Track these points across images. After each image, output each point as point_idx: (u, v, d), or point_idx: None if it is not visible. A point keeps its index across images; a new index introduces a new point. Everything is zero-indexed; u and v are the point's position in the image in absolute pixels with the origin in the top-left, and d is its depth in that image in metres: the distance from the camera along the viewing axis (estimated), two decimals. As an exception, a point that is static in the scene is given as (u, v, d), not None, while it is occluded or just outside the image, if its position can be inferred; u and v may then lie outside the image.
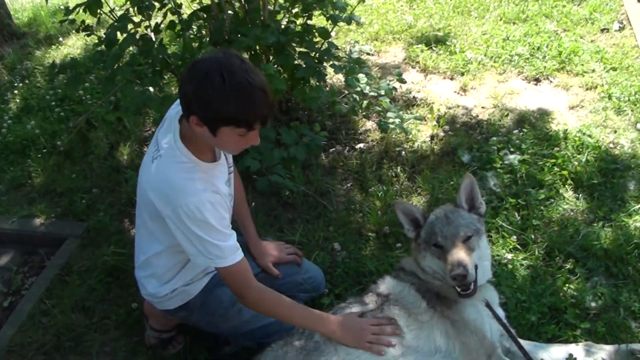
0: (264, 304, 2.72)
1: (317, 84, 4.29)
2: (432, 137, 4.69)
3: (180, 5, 4.43)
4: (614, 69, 5.31)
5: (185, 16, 4.38)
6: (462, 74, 5.51)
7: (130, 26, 4.00)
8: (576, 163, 4.19)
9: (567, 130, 4.56)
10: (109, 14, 4.24)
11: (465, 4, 6.84)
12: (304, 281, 3.28)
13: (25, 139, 5.25)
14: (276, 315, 2.80)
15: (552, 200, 3.97)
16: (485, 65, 5.63)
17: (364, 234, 3.90)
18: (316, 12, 4.45)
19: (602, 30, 6.06)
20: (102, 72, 4.23)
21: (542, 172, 4.17)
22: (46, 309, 3.70)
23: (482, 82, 5.39)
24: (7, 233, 4.42)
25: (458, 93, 5.29)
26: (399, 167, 4.39)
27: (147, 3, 4.05)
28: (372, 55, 5.91)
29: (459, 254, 2.71)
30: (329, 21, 4.26)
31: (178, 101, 2.56)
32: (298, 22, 4.51)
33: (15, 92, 6.16)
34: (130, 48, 4.02)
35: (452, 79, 5.51)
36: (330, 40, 4.33)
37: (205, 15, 4.32)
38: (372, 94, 4.38)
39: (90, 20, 4.57)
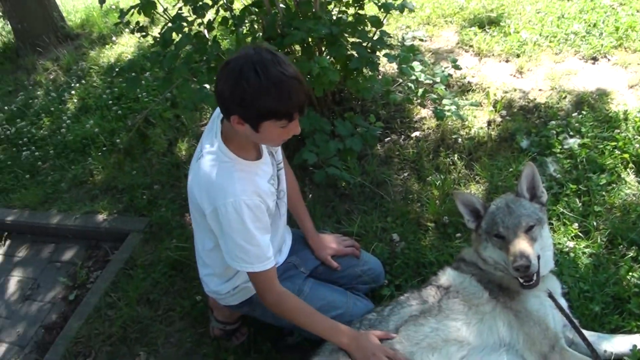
0: (283, 308, 2.77)
1: (370, 73, 4.27)
2: (489, 123, 4.62)
3: (232, 1, 4.46)
4: (675, 43, 5.13)
5: (237, 12, 4.41)
6: (518, 56, 5.40)
7: (184, 24, 4.06)
8: (637, 145, 4.06)
9: (627, 110, 4.42)
10: (162, 13, 4.30)
11: (518, -18, 6.68)
12: (363, 273, 3.30)
13: (85, 137, 5.42)
14: (294, 321, 2.83)
15: (614, 185, 3.86)
16: (540, 45, 5.50)
17: (422, 224, 3.88)
18: (367, 1, 4.42)
19: (661, 3, 5.84)
20: (159, 71, 4.31)
21: (603, 155, 4.06)
22: (111, 302, 3.84)
23: (538, 63, 5.27)
24: (71, 229, 4.60)
25: (514, 76, 5.20)
26: (456, 155, 4.36)
27: (201, 3, 4.10)
28: (425, 41, 5.85)
29: (521, 244, 2.68)
30: (381, 9, 4.22)
31: None
32: (350, 12, 4.49)
33: (73, 92, 6.35)
34: (186, 47, 4.07)
35: (507, 61, 5.41)
36: (382, 28, 4.30)
37: (257, 10, 4.34)
38: (427, 81, 4.34)
39: (143, 19, 4.66)
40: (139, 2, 3.99)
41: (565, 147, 4.20)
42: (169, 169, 4.83)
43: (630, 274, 3.28)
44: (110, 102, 5.87)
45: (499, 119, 4.64)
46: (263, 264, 2.62)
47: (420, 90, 4.35)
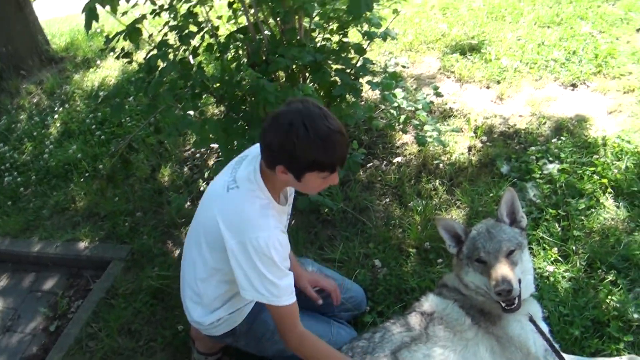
0: (304, 349, 2.76)
1: (354, 100, 4.32)
2: (469, 149, 4.68)
3: (217, 28, 4.50)
4: (652, 71, 5.23)
5: (222, 38, 4.45)
6: (498, 82, 5.49)
7: (169, 51, 4.09)
8: (616, 170, 4.13)
9: (605, 136, 4.49)
10: (148, 39, 4.32)
11: (499, 9, 6.82)
12: (346, 300, 3.31)
13: (67, 163, 5.40)
14: None
15: (593, 209, 3.92)
16: (521, 72, 5.59)
17: (404, 250, 3.91)
18: (351, 28, 4.47)
19: (638, 30, 5.96)
20: (143, 97, 4.33)
21: (582, 180, 4.12)
22: (93, 333, 3.80)
23: (518, 89, 5.36)
24: (52, 257, 4.57)
25: (494, 102, 5.27)
26: (437, 180, 4.40)
27: (187, 31, 4.13)
28: (407, 67, 5.92)
29: (503, 268, 2.71)
30: (365, 37, 4.28)
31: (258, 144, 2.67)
32: (334, 39, 4.54)
33: (56, 116, 6.33)
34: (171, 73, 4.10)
35: (488, 87, 5.49)
36: (365, 55, 4.36)
37: (242, 37, 4.38)
38: (409, 108, 4.39)
39: (128, 44, 4.67)
40: (124, 28, 4.02)
41: (545, 172, 4.25)
42: (152, 195, 4.82)
43: (609, 297, 3.32)
44: (94, 126, 5.86)
45: (479, 145, 4.69)
46: (289, 297, 2.65)
47: (403, 117, 4.40)
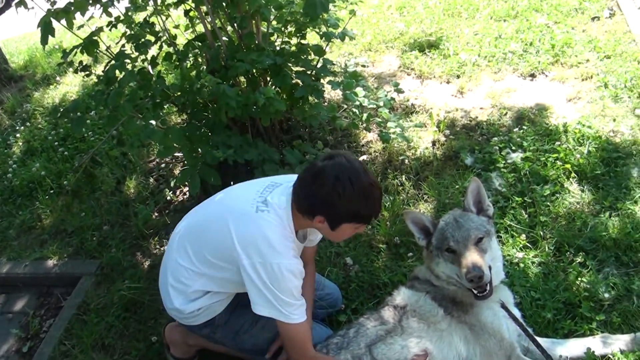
0: None
1: (316, 101, 4.33)
2: (433, 143, 4.72)
3: (175, 37, 4.48)
4: (608, 57, 5.33)
5: (180, 47, 4.43)
6: (458, 77, 5.55)
7: (127, 61, 4.05)
8: (578, 155, 4.20)
9: (566, 123, 4.57)
10: (105, 51, 4.29)
11: (455, 6, 6.90)
12: (321, 298, 3.31)
13: (32, 181, 5.31)
14: None
15: (558, 195, 3.98)
16: (479, 65, 5.67)
17: (374, 246, 3.92)
18: (309, 31, 4.49)
19: (593, 18, 6.09)
20: (104, 109, 4.29)
21: (546, 167, 4.18)
22: (66, 350, 3.74)
23: (478, 82, 5.42)
24: (22, 277, 4.48)
25: (455, 96, 5.33)
26: (403, 176, 4.42)
27: (143, 40, 4.11)
28: (367, 66, 5.95)
29: (473, 256, 2.74)
30: (323, 39, 4.30)
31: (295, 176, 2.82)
32: (292, 42, 4.55)
33: (18, 135, 6.24)
34: (130, 84, 4.07)
35: (448, 82, 5.55)
36: (324, 56, 4.37)
37: (200, 44, 4.37)
38: (371, 106, 4.41)
39: (86, 58, 4.62)
40: (81, 41, 3.98)
41: (509, 161, 4.31)
42: (118, 208, 4.77)
43: (579, 279, 3.37)
44: (56, 143, 5.79)
45: (443, 139, 4.74)
46: (301, 316, 2.72)
47: (365, 115, 4.42)
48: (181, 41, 4.70)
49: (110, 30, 4.33)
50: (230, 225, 2.70)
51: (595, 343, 2.94)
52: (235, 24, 4.27)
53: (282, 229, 2.69)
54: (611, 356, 2.91)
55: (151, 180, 5.00)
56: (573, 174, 4.10)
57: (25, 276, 4.47)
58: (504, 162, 4.31)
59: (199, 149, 4.11)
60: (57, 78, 7.28)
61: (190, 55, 4.43)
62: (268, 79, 4.39)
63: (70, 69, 6.32)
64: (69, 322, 3.91)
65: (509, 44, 5.86)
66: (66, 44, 8.05)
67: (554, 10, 6.36)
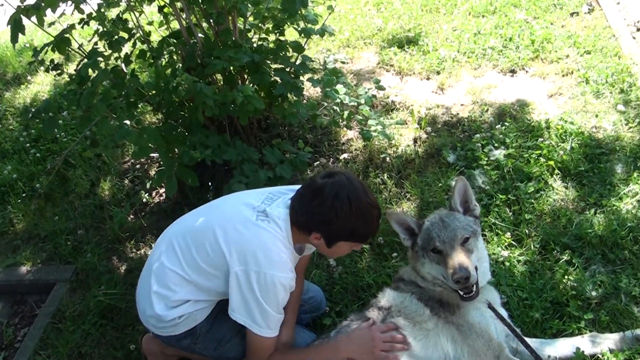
0: None
1: (295, 98, 4.24)
2: (415, 140, 4.65)
3: (149, 34, 4.37)
4: (588, 53, 5.32)
5: (154, 44, 4.31)
6: (438, 73, 5.50)
7: (100, 59, 3.93)
8: (561, 152, 4.18)
9: (548, 119, 4.54)
10: (77, 49, 4.16)
11: (432, 2, 6.85)
12: (305, 302, 3.24)
13: (3, 184, 5.16)
14: None
15: (542, 192, 3.95)
16: (459, 61, 5.62)
17: (358, 247, 3.84)
18: (288, 27, 4.40)
19: (572, 14, 6.08)
20: (77, 109, 4.16)
21: (529, 164, 4.14)
22: (41, 361, 3.61)
23: (458, 79, 5.37)
24: (-6, 285, 4.32)
25: (436, 92, 5.28)
26: (385, 174, 4.36)
27: (116, 37, 3.99)
28: (347, 63, 5.88)
29: (459, 256, 2.70)
30: (302, 35, 4.21)
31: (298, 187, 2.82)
32: (270, 38, 4.46)
33: (-12, 137, 6.06)
34: (103, 83, 3.94)
35: (428, 79, 5.50)
36: (303, 52, 4.28)
37: (175, 41, 4.25)
38: (352, 103, 4.34)
39: (57, 57, 4.49)
40: (52, 39, 3.85)
41: (492, 158, 4.26)
42: (93, 211, 4.63)
43: (566, 277, 3.34)
44: (28, 144, 5.62)
45: (424, 136, 4.68)
46: (274, 331, 2.72)
47: (346, 113, 4.34)
48: (155, 38, 4.58)
49: (82, 27, 4.20)
50: (229, 231, 2.68)
51: (584, 342, 2.92)
52: (211, 20, 4.16)
53: (281, 240, 2.68)
54: (600, 356, 2.88)
55: (126, 182, 4.87)
56: (557, 171, 4.07)
57: (-2, 284, 4.32)
58: (486, 159, 4.26)
59: (176, 150, 4.00)
60: (28, 77, 7.09)
61: (165, 52, 4.31)
62: (246, 76, 4.30)
63: (42, 68, 6.18)
64: (44, 331, 3.77)
65: (488, 40, 5.82)
66: (37, 42, 7.85)
67: (532, 5, 6.34)
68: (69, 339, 3.64)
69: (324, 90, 4.21)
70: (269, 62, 4.19)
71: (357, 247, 2.85)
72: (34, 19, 3.59)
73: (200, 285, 2.75)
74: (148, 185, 4.69)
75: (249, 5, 4.08)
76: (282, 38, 4.38)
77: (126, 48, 4.29)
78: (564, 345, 2.92)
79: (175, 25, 4.47)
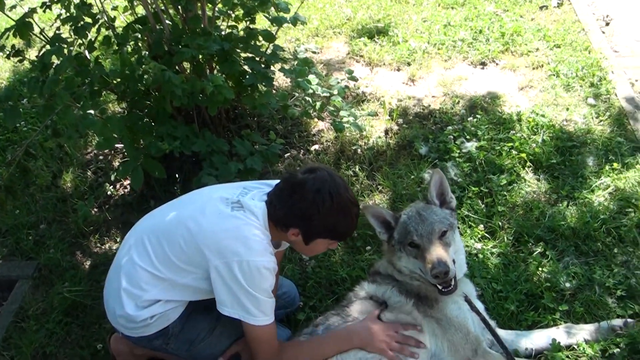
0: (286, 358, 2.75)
1: (266, 89, 4.14)
2: (386, 132, 4.61)
3: (114, 20, 4.22)
4: (558, 46, 5.35)
5: (119, 30, 4.17)
6: (408, 64, 5.46)
7: (63, 46, 3.78)
8: (533, 144, 4.19)
9: (519, 112, 4.55)
10: (39, 35, 4.00)
11: (401, -8, 6.79)
12: (279, 297, 3.14)
13: (-40, 176, 4.96)
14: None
15: (515, 184, 3.95)
16: (429, 53, 5.59)
17: (331, 240, 3.78)
18: (258, 15, 4.29)
19: (541, 7, 6.12)
20: (38, 98, 4.00)
21: (501, 156, 4.14)
22: (4, 362, 3.47)
23: (429, 70, 5.34)
24: (-49, 284, 4.13)
25: (407, 84, 5.24)
26: (357, 166, 4.31)
27: (82, 23, 3.84)
28: (317, 53, 5.80)
29: (438, 251, 2.67)
30: (273, 23, 4.11)
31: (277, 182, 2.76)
32: (240, 26, 4.35)
33: (-55, 127, 5.82)
34: (67, 70, 3.80)
35: (398, 70, 5.46)
36: (274, 41, 4.19)
37: (141, 28, 4.11)
38: (324, 94, 4.25)
39: (18, 42, 4.32)
40: (13, 23, 3.68)
41: (464, 150, 4.25)
42: (55, 204, 4.46)
43: (540, 269, 3.35)
44: (-15, 135, 5.43)
45: (396, 127, 4.64)
46: (271, 316, 2.64)
47: (318, 104, 4.26)
48: (120, 24, 4.43)
49: (44, 11, 4.04)
50: (204, 225, 2.60)
51: (559, 334, 2.95)
52: (179, 6, 4.04)
53: (258, 227, 2.61)
54: (576, 346, 2.91)
55: (89, 173, 4.71)
56: (529, 163, 4.08)
57: (-44, 282, 4.14)
58: (458, 151, 4.25)
59: (141, 140, 3.87)
60: (-14, 64, 6.86)
61: (130, 39, 4.17)
62: (215, 65, 4.18)
63: (1, 54, 5.96)
64: (7, 331, 3.61)
65: (458, 32, 5.80)
66: (-5, 27, 7.62)
67: (501, -3, 6.34)
68: (32, 339, 3.49)
69: (296, 81, 4.12)
70: (238, 50, 4.08)
71: (334, 245, 2.82)
72: (-7, 2, 3.45)
73: (174, 282, 2.65)
74: (112, 177, 4.53)
75: (218, -9, 3.98)
76: (252, 26, 4.27)
77: (90, 34, 4.13)
78: (540, 337, 2.95)
79: (140, 10, 4.33)
